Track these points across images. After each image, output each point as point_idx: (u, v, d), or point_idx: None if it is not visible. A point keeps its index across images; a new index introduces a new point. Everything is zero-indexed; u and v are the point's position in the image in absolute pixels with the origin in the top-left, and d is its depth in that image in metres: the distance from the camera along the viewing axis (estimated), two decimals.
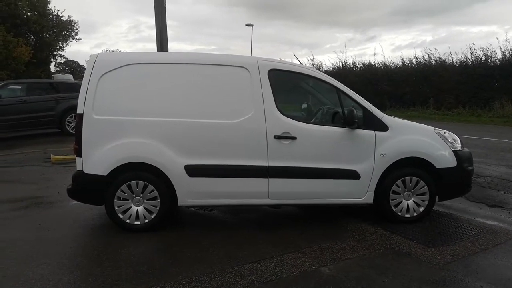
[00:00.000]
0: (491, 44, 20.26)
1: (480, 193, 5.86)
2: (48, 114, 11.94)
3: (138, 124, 4.16)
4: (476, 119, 17.22)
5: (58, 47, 36.02)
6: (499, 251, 3.88)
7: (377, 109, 4.58)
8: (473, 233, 4.33)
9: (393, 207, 4.54)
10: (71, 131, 11.85)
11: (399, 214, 4.56)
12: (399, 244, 4.02)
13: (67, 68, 51.72)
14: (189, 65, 4.33)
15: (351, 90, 4.58)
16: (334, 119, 4.70)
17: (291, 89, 5.42)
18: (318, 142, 4.37)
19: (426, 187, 4.53)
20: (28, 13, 31.02)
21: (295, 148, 4.28)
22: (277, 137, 4.24)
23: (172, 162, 4.15)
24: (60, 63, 47.72)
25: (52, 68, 41.13)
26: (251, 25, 31.23)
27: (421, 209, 4.59)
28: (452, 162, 4.55)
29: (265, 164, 4.24)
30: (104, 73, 4.15)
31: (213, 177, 4.24)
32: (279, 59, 5.34)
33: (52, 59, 37.49)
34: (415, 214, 4.59)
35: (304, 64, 6.04)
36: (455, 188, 4.74)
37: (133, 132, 4.16)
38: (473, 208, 5.24)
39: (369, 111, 4.50)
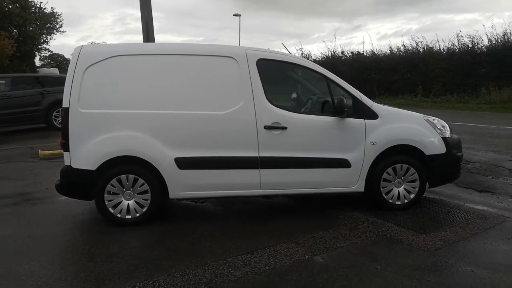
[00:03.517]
0: (477, 31, 20.51)
1: (469, 179, 5.92)
2: (34, 109, 11.72)
3: (125, 117, 4.09)
4: (464, 106, 17.37)
5: (42, 40, 35.32)
6: (489, 235, 3.93)
7: (367, 98, 4.58)
8: (463, 218, 4.39)
9: (384, 195, 4.56)
10: (58, 125, 11.66)
11: (390, 201, 4.59)
12: (391, 231, 4.05)
13: (52, 62, 50.85)
14: (176, 56, 4.26)
15: (340, 79, 4.56)
16: (324, 108, 4.68)
17: (281, 79, 5.39)
18: (309, 131, 4.36)
19: (416, 174, 4.56)
20: (10, 6, 30.27)
21: (285, 138, 4.26)
22: (267, 128, 4.21)
23: (161, 155, 4.10)
24: (45, 57, 46.82)
25: (37, 62, 40.40)
26: (239, 15, 31.00)
27: (412, 196, 4.63)
28: (441, 148, 4.58)
29: (256, 154, 4.22)
30: (89, 66, 4.06)
31: (203, 169, 4.20)
32: (268, 49, 5.29)
33: (36, 52, 36.77)
34: (406, 201, 4.62)
35: (293, 54, 6.04)
36: (444, 175, 4.79)
37: (121, 125, 4.09)
38: (462, 194, 5.31)
39: (359, 99, 4.49)
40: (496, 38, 18.93)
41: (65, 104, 4.04)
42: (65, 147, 4.08)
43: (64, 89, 4.06)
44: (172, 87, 4.19)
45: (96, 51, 4.29)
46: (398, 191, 4.60)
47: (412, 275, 3.16)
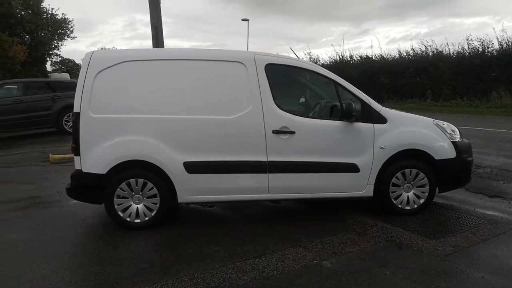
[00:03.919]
0: (487, 35, 20.25)
1: (480, 184, 5.86)
2: (45, 114, 11.88)
3: (135, 121, 4.13)
4: (474, 110, 17.19)
5: (53, 46, 35.86)
6: (500, 241, 3.88)
7: (375, 102, 4.57)
8: (474, 223, 4.34)
9: (393, 200, 4.53)
10: (69, 130, 11.80)
11: (399, 206, 4.56)
12: (400, 237, 4.02)
13: (63, 67, 51.50)
14: (186, 61, 4.30)
15: (348, 83, 4.56)
16: (332, 113, 4.67)
17: (289, 83, 5.39)
18: (317, 136, 4.35)
19: (426, 178, 4.52)
20: (22, 12, 30.80)
21: (293, 142, 4.26)
22: (276, 132, 4.22)
23: (171, 159, 4.13)
24: (56, 62, 47.50)
25: (48, 67, 40.97)
26: (247, 20, 31.14)
27: (421, 201, 4.59)
28: (451, 153, 4.54)
29: (264, 159, 4.23)
30: (100, 71, 4.12)
31: (212, 174, 4.22)
32: (276, 53, 5.31)
33: (47, 58, 37.32)
34: (415, 206, 4.58)
35: (301, 58, 6.04)
36: (454, 179, 4.74)
37: (130, 130, 4.13)
38: (473, 199, 5.25)
39: (367, 104, 4.48)
40: (507, 41, 18.74)
41: (76, 108, 4.09)
42: (76, 151, 4.13)
43: (75, 94, 4.12)
44: (181, 92, 4.23)
45: (106, 56, 4.35)
46: (408, 196, 4.57)
47: (421, 280, 3.13)
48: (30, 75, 27.78)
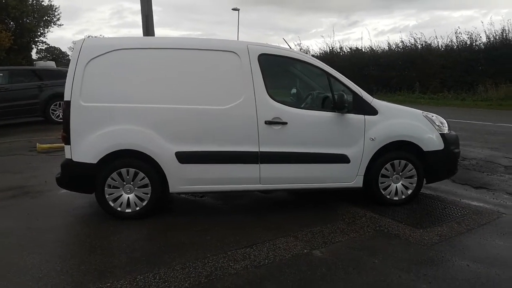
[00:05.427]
0: (476, 28, 20.50)
1: (466, 175, 5.98)
2: (32, 102, 11.67)
3: (127, 110, 4.11)
4: (461, 103, 17.44)
5: (39, 33, 35.10)
6: (484, 231, 3.99)
7: (367, 93, 4.61)
8: (459, 214, 4.44)
9: (382, 190, 4.61)
10: (56, 119, 11.65)
11: (388, 197, 4.64)
12: (388, 226, 4.09)
13: (49, 55, 50.56)
14: (178, 50, 4.27)
15: (341, 75, 4.58)
16: (324, 104, 4.70)
17: (282, 74, 5.40)
18: (309, 127, 4.38)
19: (414, 170, 4.60)
20: None
21: (285, 133, 4.29)
22: (268, 123, 4.23)
23: (162, 149, 4.12)
24: (41, 50, 46.65)
25: (34, 55, 40.17)
26: (238, 9, 30.89)
27: (409, 191, 4.67)
28: (439, 145, 4.63)
29: (256, 149, 4.25)
30: (91, 59, 4.06)
31: (204, 164, 4.23)
32: (266, 43, 5.29)
33: (33, 45, 36.56)
34: (403, 196, 4.67)
35: (293, 49, 6.01)
36: (442, 171, 4.83)
37: (122, 119, 4.10)
38: (459, 190, 5.36)
39: (359, 95, 4.52)
40: (494, 35, 19.00)
41: (66, 97, 4.04)
42: (66, 140, 4.09)
43: (66, 82, 4.06)
44: (174, 81, 4.21)
45: (98, 44, 4.29)
46: (396, 186, 4.65)
47: (409, 268, 3.21)
48: (15, 63, 27.21)
